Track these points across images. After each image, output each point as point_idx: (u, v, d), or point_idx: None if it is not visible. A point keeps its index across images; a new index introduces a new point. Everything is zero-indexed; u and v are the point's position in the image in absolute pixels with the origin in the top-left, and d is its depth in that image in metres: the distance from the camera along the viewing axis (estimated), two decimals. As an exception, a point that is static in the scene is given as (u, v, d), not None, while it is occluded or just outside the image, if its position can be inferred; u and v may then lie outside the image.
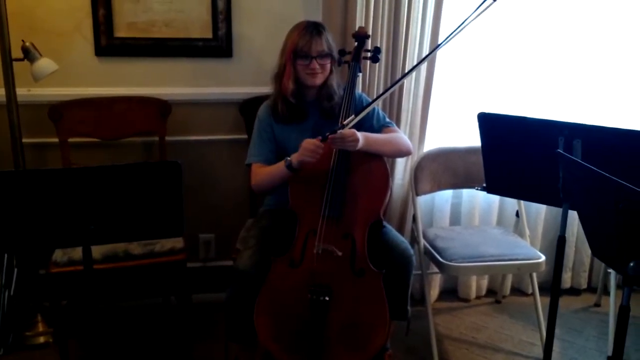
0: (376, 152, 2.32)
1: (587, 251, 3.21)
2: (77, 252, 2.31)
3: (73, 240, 1.77)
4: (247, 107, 2.74)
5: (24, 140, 2.63)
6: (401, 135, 2.46)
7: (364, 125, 2.38)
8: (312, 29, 2.29)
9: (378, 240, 2.25)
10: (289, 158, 2.22)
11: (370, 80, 2.74)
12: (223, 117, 2.86)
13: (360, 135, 2.20)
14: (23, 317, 2.76)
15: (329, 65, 2.35)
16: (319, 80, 2.34)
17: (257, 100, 2.63)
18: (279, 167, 2.26)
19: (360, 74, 2.44)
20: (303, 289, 2.11)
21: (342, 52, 2.46)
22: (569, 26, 2.95)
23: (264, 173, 2.35)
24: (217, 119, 2.87)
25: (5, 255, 2.67)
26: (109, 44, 2.73)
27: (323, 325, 2.08)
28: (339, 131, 2.14)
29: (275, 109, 2.38)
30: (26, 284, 2.76)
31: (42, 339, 2.72)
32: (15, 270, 2.74)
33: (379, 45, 2.63)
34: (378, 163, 2.30)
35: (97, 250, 2.33)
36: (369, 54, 2.49)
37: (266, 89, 2.54)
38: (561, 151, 1.85)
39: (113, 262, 2.39)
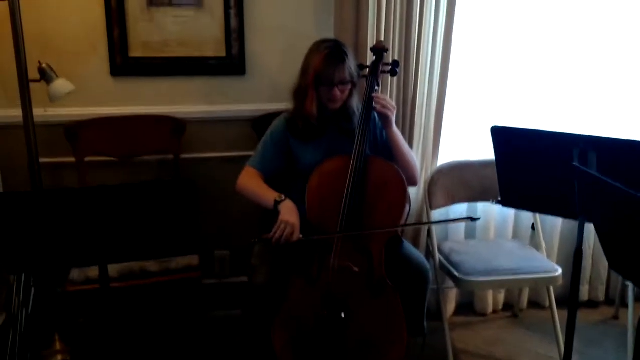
0: (397, 147, 2.35)
1: (604, 264, 3.18)
2: (94, 271, 2.33)
3: (89, 259, 1.78)
4: (260, 124, 2.75)
5: (41, 160, 2.65)
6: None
7: (378, 143, 2.41)
8: (336, 57, 2.27)
9: (395, 256, 2.24)
10: (282, 200, 2.21)
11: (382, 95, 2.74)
12: (237, 134, 2.88)
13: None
14: (41, 337, 2.77)
15: (349, 89, 2.35)
16: (338, 104, 2.35)
17: (270, 117, 2.64)
18: (268, 197, 2.25)
19: (379, 88, 2.44)
20: (320, 306, 2.10)
21: (360, 67, 2.46)
22: (583, 39, 2.94)
23: (253, 185, 2.35)
24: (231, 136, 2.89)
25: (23, 275, 2.69)
26: (124, 63, 2.76)
27: (340, 342, 2.08)
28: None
29: (294, 125, 2.40)
30: (43, 303, 2.77)
31: (59, 358, 2.72)
32: (33, 289, 2.75)
33: (390, 60, 2.64)
34: (396, 178, 2.29)
35: (113, 268, 2.34)
36: (387, 68, 2.48)
37: (279, 105, 2.56)
38: (577, 164, 1.84)
39: (129, 279, 2.41)
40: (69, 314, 2.44)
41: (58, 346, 2.74)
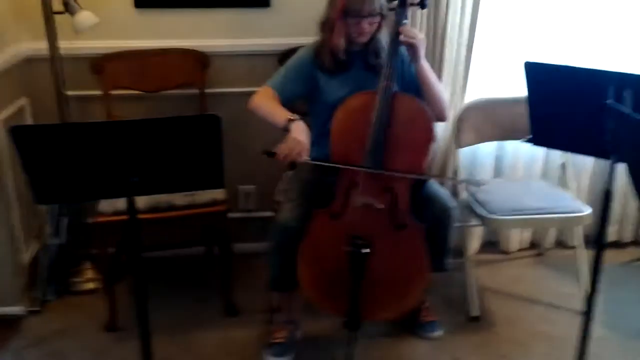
0: (425, 81, 2.29)
1: (634, 204, 3.13)
2: (122, 202, 2.36)
3: (117, 192, 1.81)
4: (286, 58, 2.68)
5: (69, 93, 2.67)
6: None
7: (406, 79, 2.36)
8: None
9: (420, 193, 2.23)
10: (296, 119, 2.16)
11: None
12: (262, 68, 2.83)
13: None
14: (73, 264, 2.86)
15: (377, 23, 2.28)
16: (366, 38, 2.29)
17: (295, 51, 2.59)
18: (282, 115, 2.20)
19: (407, 21, 2.36)
20: (344, 241, 2.12)
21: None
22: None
23: (267, 103, 2.29)
24: (256, 71, 2.85)
25: (55, 205, 2.75)
26: (148, -6, 2.72)
27: (362, 277, 2.10)
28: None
29: (320, 57, 2.35)
30: (75, 232, 2.85)
31: (91, 285, 2.83)
32: (66, 219, 2.83)
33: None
34: (422, 114, 2.24)
35: (141, 201, 2.38)
36: (416, 0, 2.40)
37: (305, 39, 2.50)
38: (611, 102, 1.78)
39: (156, 212, 2.45)
40: (99, 243, 2.51)
41: (89, 274, 2.84)
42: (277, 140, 2.36)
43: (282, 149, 2.08)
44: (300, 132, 2.13)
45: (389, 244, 2.13)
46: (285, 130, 2.14)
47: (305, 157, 2.09)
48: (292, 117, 2.16)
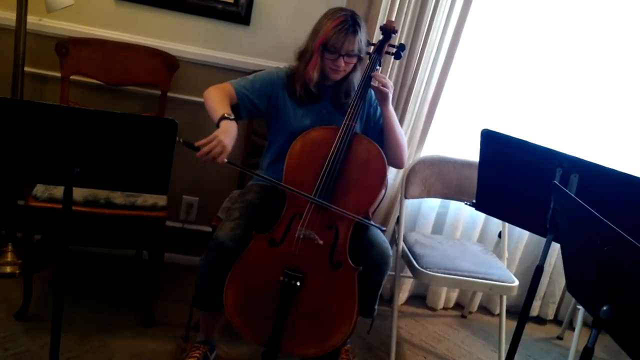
0: (390, 126, 2.35)
1: (560, 283, 3.23)
2: (59, 190, 2.30)
3: (57, 178, 1.75)
4: (255, 78, 2.71)
5: (26, 68, 2.59)
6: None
7: (370, 121, 2.42)
8: (349, 27, 2.22)
9: (360, 236, 2.24)
10: (229, 119, 2.11)
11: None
12: (229, 83, 2.84)
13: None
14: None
15: (353, 64, 2.33)
16: (340, 76, 2.33)
17: (265, 74, 2.60)
18: (220, 110, 2.15)
19: (380, 68, 2.41)
20: (277, 270, 2.10)
21: (366, 43, 2.43)
22: (587, 60, 2.95)
23: (217, 96, 2.25)
24: (223, 85, 2.84)
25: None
26: (129, -12, 2.69)
27: (288, 309, 2.08)
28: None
29: (292, 84, 2.36)
30: (2, 212, 2.73)
31: (8, 269, 2.71)
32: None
33: (397, 42, 2.61)
34: (378, 159, 2.28)
35: (79, 192, 2.32)
36: (393, 50, 2.46)
37: (279, 63, 2.52)
38: (557, 183, 1.85)
39: (93, 206, 2.38)
40: (26, 228, 2.41)
41: (9, 257, 2.73)
42: (231, 158, 2.35)
43: (204, 149, 2.01)
44: (226, 132, 2.08)
45: (322, 281, 2.13)
46: (217, 126, 2.12)
47: (223, 160, 2.05)
48: (227, 115, 2.13)
